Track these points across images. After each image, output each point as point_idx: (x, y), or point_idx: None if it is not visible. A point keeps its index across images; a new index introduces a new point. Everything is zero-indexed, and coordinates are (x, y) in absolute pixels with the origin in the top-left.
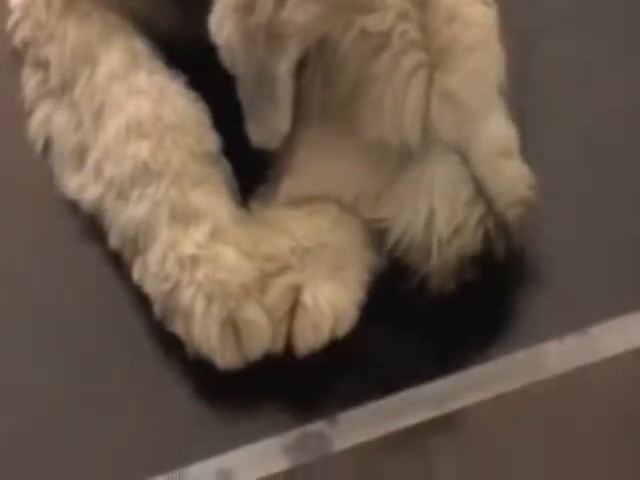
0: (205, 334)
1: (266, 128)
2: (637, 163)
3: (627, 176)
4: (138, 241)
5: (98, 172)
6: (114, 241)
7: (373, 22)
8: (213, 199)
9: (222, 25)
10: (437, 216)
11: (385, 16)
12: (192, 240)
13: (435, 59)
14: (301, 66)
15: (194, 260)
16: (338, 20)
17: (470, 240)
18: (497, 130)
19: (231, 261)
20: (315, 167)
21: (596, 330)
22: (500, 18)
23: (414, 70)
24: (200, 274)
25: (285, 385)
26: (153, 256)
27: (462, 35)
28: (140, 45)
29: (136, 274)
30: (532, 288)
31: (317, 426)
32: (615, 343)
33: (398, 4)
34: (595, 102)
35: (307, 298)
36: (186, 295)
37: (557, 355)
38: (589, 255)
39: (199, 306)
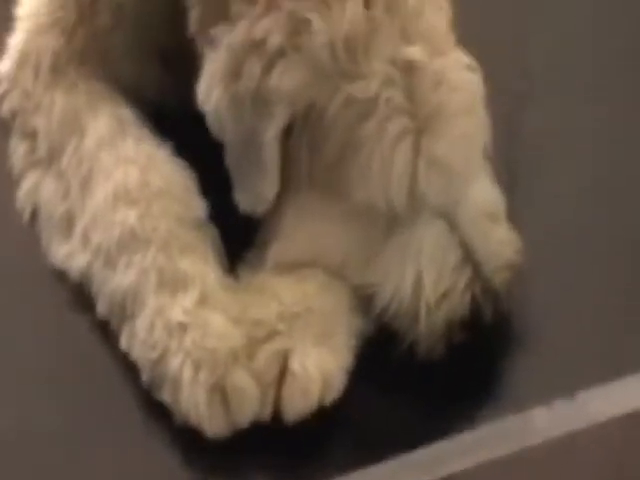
0: (193, 401)
1: (254, 194)
2: (623, 227)
3: (614, 241)
4: (126, 308)
5: (86, 240)
6: (102, 309)
7: (359, 88)
8: (201, 265)
9: (210, 93)
10: (425, 281)
11: (371, 82)
12: (180, 307)
13: (421, 125)
14: (288, 132)
15: (182, 327)
16: (324, 86)
17: (458, 304)
18: (484, 194)
19: (219, 327)
20: (303, 232)
21: (585, 395)
22: (488, 83)
23: (401, 136)
24: (188, 341)
25: (274, 452)
26: (141, 323)
27: (448, 101)
28: (127, 113)
29: (124, 342)
30: (520, 352)
31: None
32: (604, 408)
33: (384, 70)
34: (581, 168)
35: (295, 364)
36: (174, 362)
37: (546, 420)
38: (577, 320)
39: (187, 373)
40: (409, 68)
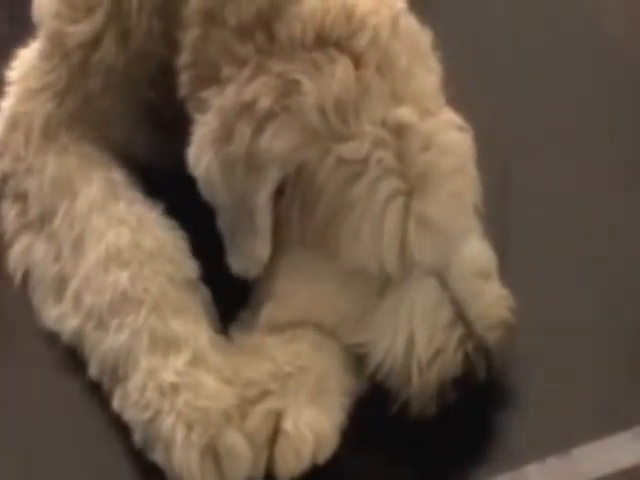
0: (186, 462)
1: (247, 257)
2: (618, 282)
3: (608, 298)
4: (118, 370)
5: (77, 302)
6: (94, 371)
7: (350, 150)
8: (192, 326)
9: (200, 157)
10: (417, 340)
11: (361, 144)
12: (172, 368)
13: (412, 185)
14: (279, 193)
15: (174, 388)
16: (315, 148)
17: (450, 363)
18: (475, 253)
19: (211, 388)
20: (295, 293)
21: (578, 452)
22: (479, 140)
23: (391, 197)
24: (180, 402)
25: None
26: (133, 384)
27: (438, 162)
28: (118, 176)
29: (116, 403)
30: (513, 410)
31: None
32: (597, 465)
33: (374, 132)
34: (574, 225)
35: (288, 424)
36: (167, 423)
37: (540, 477)
38: (570, 377)
39: (179, 434)
40: (400, 129)
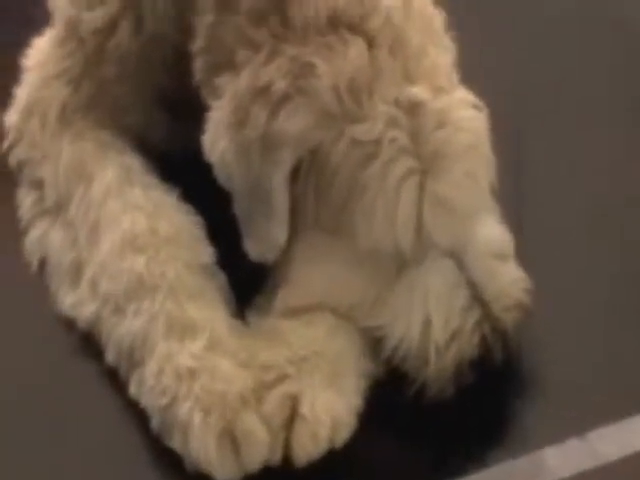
0: (203, 446)
1: (264, 242)
2: (634, 263)
3: (624, 278)
4: (134, 355)
5: (94, 288)
6: (111, 357)
7: (363, 131)
8: (209, 311)
9: (216, 142)
10: (433, 322)
11: (375, 124)
12: (189, 352)
13: (426, 165)
14: (294, 176)
15: (191, 372)
16: (329, 129)
17: (467, 345)
18: (491, 233)
19: (228, 372)
20: (311, 277)
21: (594, 434)
22: (493, 120)
23: (405, 177)
24: (197, 386)
25: None
26: (150, 370)
27: (452, 140)
28: (134, 161)
29: (133, 389)
30: (530, 393)
31: None
32: (615, 448)
33: (387, 112)
34: (590, 204)
35: (305, 408)
36: (184, 408)
37: (557, 460)
38: (587, 359)
39: (197, 419)
40: (413, 109)
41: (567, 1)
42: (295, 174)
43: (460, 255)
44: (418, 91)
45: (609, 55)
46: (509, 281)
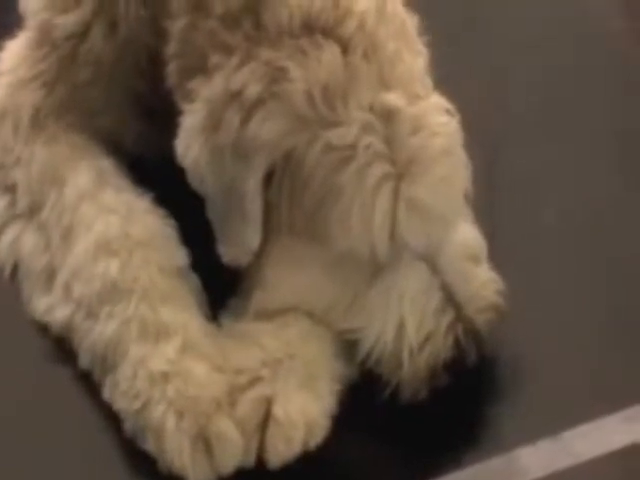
0: (177, 450)
1: (237, 245)
2: (607, 265)
3: (597, 280)
4: (108, 359)
5: (67, 292)
6: (84, 361)
7: (338, 136)
8: (182, 314)
9: (189, 147)
10: (407, 325)
11: (350, 129)
12: (162, 356)
13: (401, 169)
14: (268, 181)
15: (164, 376)
16: (303, 134)
17: (441, 347)
18: (464, 236)
19: (201, 376)
20: (285, 279)
21: (569, 434)
22: (466, 125)
23: (380, 182)
24: (171, 390)
25: None
26: (123, 373)
27: (427, 145)
28: (107, 164)
29: (106, 393)
30: (504, 393)
31: None
32: (589, 447)
33: (362, 117)
34: (563, 207)
35: (278, 410)
36: (157, 411)
37: (531, 460)
38: (560, 359)
39: (170, 422)
40: (388, 114)
41: (543, 4)
42: (269, 179)
43: (434, 258)
44: (393, 97)
45: (586, 61)
46: (482, 283)
